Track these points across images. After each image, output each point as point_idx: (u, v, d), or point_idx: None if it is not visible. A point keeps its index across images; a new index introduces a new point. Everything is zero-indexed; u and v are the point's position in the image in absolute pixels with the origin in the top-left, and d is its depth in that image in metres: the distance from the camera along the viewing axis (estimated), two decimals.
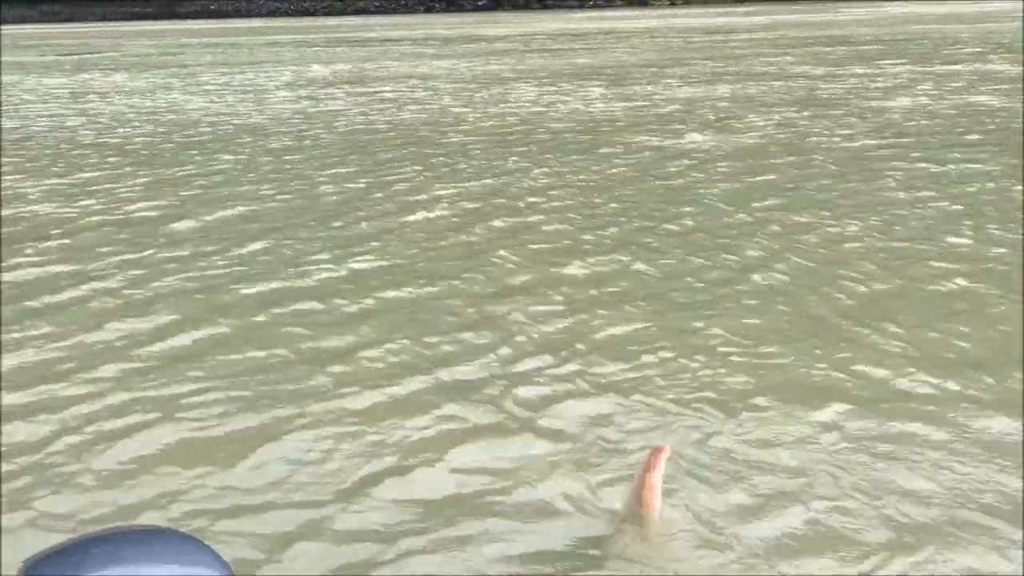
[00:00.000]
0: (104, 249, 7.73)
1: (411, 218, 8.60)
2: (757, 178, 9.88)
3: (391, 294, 6.32)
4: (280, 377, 4.95)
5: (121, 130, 15.42)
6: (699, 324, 5.51)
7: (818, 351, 5.06)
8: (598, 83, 20.29)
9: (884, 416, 4.25)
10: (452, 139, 13.42)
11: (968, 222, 7.71)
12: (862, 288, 6.14)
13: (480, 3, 68.13)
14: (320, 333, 5.59)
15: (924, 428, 4.15)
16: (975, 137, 11.96)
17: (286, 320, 5.85)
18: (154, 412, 4.54)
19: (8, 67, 30.44)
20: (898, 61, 23.25)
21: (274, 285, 6.60)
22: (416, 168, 11.18)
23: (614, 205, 8.89)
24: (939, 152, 10.96)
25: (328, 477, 3.91)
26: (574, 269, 6.77)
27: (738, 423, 4.21)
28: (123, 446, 4.21)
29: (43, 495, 3.84)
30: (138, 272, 7.00)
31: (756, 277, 6.43)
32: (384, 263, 7.12)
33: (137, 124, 16.09)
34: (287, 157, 12.29)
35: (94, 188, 10.49)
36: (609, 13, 58.03)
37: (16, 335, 5.68)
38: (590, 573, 3.18)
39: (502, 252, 7.25)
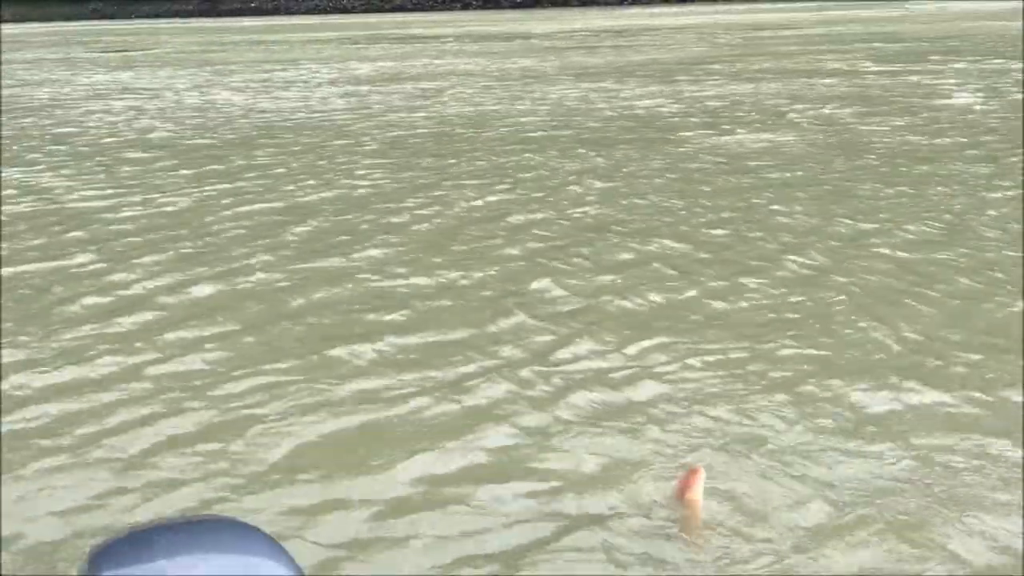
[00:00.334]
0: (144, 239, 7.75)
1: (450, 212, 8.55)
2: (802, 175, 9.63)
3: (424, 280, 6.37)
4: (313, 363, 5.00)
5: (165, 125, 15.45)
6: (741, 336, 5.33)
7: (865, 368, 4.88)
8: (641, 80, 20.02)
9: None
10: (493, 135, 13.27)
11: None
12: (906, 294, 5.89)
13: (518, 0, 67.93)
14: (353, 321, 5.65)
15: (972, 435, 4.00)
16: None
17: (318, 308, 5.93)
18: (186, 394, 4.62)
19: (55, 63, 30.80)
20: (950, 58, 22.73)
21: (308, 274, 6.65)
22: (456, 163, 11.07)
23: (658, 203, 8.69)
24: (995, 151, 10.62)
25: (353, 455, 3.96)
26: (612, 268, 6.67)
27: (776, 428, 4.12)
28: (152, 431, 4.26)
29: (81, 477, 3.88)
30: (177, 264, 7.04)
31: (797, 279, 6.27)
32: (436, 260, 7.06)
33: (181, 119, 16.11)
34: (328, 152, 12.22)
35: (134, 182, 10.48)
36: (652, 9, 57.51)
37: (55, 325, 5.73)
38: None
39: (541, 249, 7.19)
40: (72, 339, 5.51)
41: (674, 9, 57.24)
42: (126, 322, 5.75)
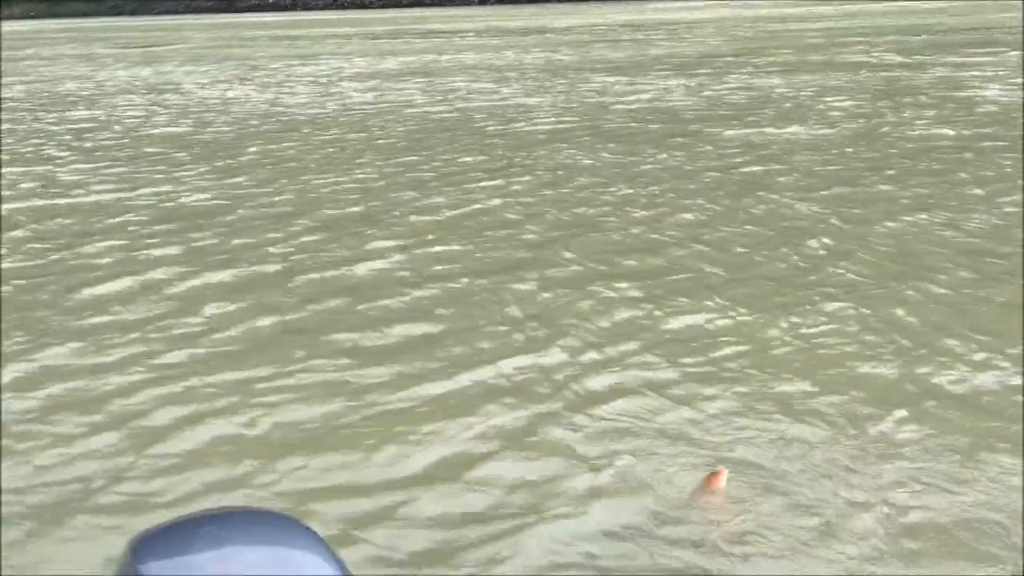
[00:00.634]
0: (164, 235, 7.72)
1: (476, 207, 8.44)
2: (832, 170, 9.43)
3: (452, 284, 6.25)
4: (339, 364, 4.95)
5: (185, 120, 15.37)
6: (769, 321, 5.31)
7: (889, 356, 4.79)
8: (667, 74, 19.77)
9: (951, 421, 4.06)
10: (519, 129, 13.11)
11: None
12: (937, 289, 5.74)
13: None
14: (378, 321, 5.58)
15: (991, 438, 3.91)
16: None
17: (341, 308, 5.86)
18: (214, 398, 4.57)
19: (77, 59, 30.87)
20: (980, 50, 22.35)
21: (331, 273, 6.61)
22: (482, 158, 10.94)
23: (686, 199, 8.50)
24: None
25: (389, 461, 3.91)
26: (640, 262, 6.61)
27: (803, 426, 4.05)
28: (182, 436, 4.21)
29: (122, 476, 3.84)
30: (198, 258, 7.01)
31: (828, 277, 6.14)
32: (450, 252, 7.00)
33: (203, 115, 16.02)
34: (351, 147, 12.10)
35: (156, 177, 10.42)
36: (675, 4, 57.09)
37: (76, 323, 5.70)
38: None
39: (568, 242, 7.12)
40: (89, 326, 5.58)
41: (702, 3, 56.80)
42: (142, 308, 5.86)
